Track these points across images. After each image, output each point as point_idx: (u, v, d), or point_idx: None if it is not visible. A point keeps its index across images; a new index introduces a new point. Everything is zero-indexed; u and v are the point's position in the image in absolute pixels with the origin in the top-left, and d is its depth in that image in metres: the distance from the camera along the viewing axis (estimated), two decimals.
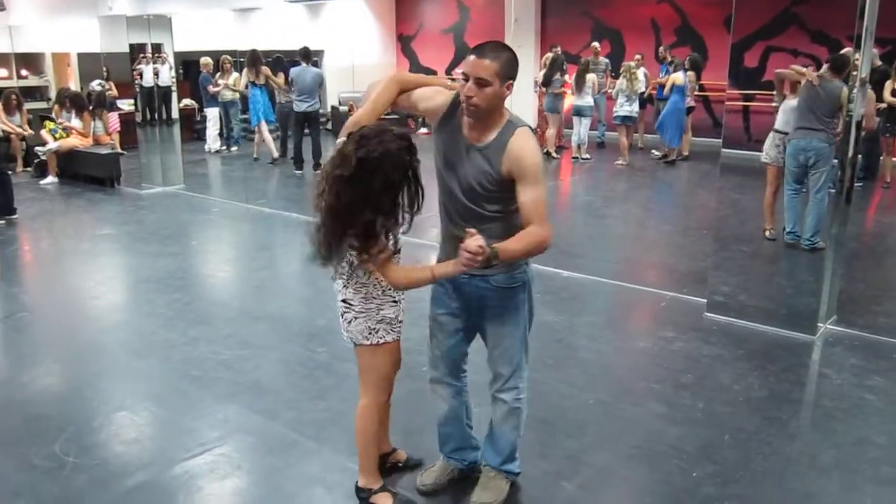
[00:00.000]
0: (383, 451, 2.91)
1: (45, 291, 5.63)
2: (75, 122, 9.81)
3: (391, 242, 2.35)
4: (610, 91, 11.55)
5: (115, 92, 11.22)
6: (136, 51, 9.77)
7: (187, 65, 12.71)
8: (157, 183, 9.36)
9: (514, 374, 2.65)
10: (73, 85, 12.19)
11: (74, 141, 9.72)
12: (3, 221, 7.31)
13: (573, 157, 11.05)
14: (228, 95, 11.52)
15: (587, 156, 11.02)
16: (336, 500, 2.83)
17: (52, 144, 9.62)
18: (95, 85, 11.01)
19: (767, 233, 5.83)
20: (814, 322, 4.41)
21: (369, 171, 2.23)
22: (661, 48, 11.78)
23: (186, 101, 12.70)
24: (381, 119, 2.46)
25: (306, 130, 10.08)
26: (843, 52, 5.21)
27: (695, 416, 3.45)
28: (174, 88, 10.12)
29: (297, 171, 10.10)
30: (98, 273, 6.00)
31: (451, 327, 2.67)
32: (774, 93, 6.15)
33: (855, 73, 4.26)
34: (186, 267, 6.08)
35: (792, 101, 5.62)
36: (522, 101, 12.20)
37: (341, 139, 2.36)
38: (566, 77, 10.91)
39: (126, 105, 11.37)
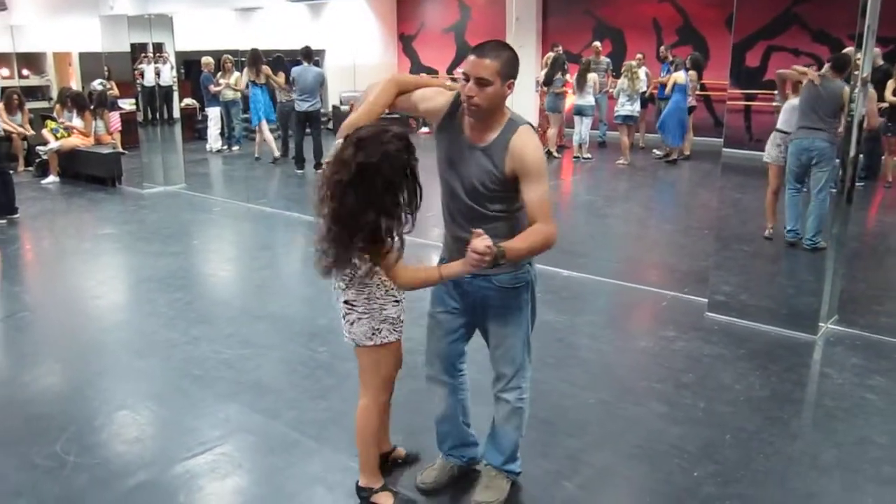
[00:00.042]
0: (383, 451, 2.92)
1: (46, 291, 5.64)
2: (77, 122, 9.82)
3: (397, 243, 2.35)
4: (611, 90, 11.55)
5: (116, 91, 11.23)
6: (138, 50, 9.77)
7: (189, 64, 12.72)
8: (159, 182, 9.37)
9: (517, 374, 2.65)
10: (75, 84, 12.19)
11: (76, 140, 9.73)
12: (4, 221, 7.31)
13: (574, 157, 11.04)
14: (230, 95, 11.53)
15: (588, 155, 11.02)
16: (337, 500, 2.83)
17: (54, 144, 9.63)
18: (97, 84, 11.02)
19: (766, 232, 5.83)
20: (815, 322, 4.40)
21: (370, 174, 2.23)
22: (662, 47, 11.77)
23: (188, 101, 12.70)
24: (383, 118, 2.45)
25: (308, 130, 10.09)
26: (844, 51, 5.20)
27: (696, 416, 3.45)
28: (175, 88, 10.12)
29: (299, 171, 10.11)
30: (99, 272, 6.00)
31: (449, 326, 2.67)
32: (776, 92, 6.14)
33: (857, 72, 4.26)
34: (188, 266, 6.08)
35: (794, 101, 5.62)
36: (524, 100, 12.20)
37: (339, 140, 2.35)
38: (567, 76, 10.91)
39: (127, 104, 11.37)
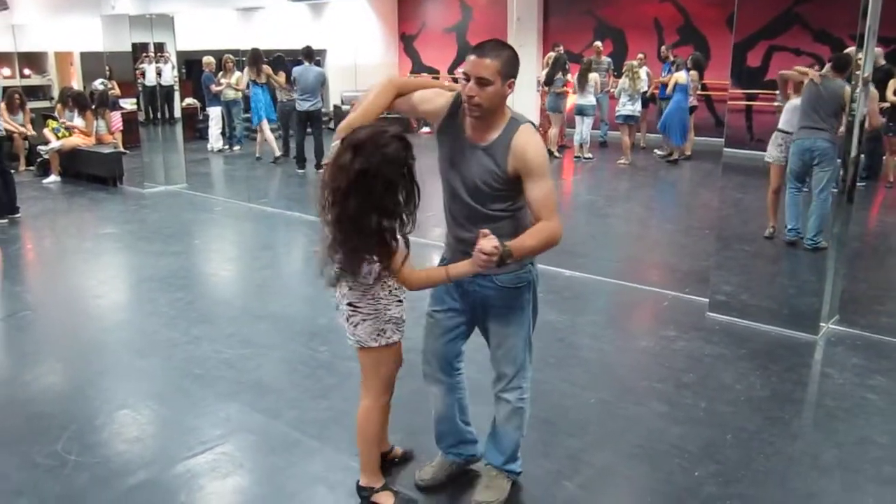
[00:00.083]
0: (381, 450, 2.91)
1: (47, 290, 5.64)
2: (78, 121, 9.82)
3: (403, 244, 2.35)
4: (612, 90, 11.54)
5: (117, 91, 11.23)
6: (139, 50, 9.77)
7: (190, 64, 12.72)
8: (160, 182, 9.37)
9: (518, 374, 2.65)
10: (76, 84, 12.20)
11: (77, 140, 9.74)
12: (5, 220, 7.32)
13: (575, 157, 11.04)
14: (231, 94, 11.53)
15: (589, 155, 11.01)
16: (338, 499, 2.83)
17: (55, 143, 9.64)
18: (98, 84, 11.02)
19: (767, 231, 5.83)
20: (816, 322, 4.40)
21: (369, 179, 2.23)
22: (663, 47, 11.77)
23: (189, 101, 12.70)
24: (382, 118, 2.45)
25: (309, 129, 10.09)
26: (846, 51, 5.20)
27: (697, 416, 3.45)
28: (177, 87, 10.12)
29: (300, 171, 10.12)
30: (100, 272, 6.01)
31: (447, 325, 2.67)
32: (777, 92, 6.14)
33: (858, 72, 4.26)
34: (189, 266, 6.09)
35: (796, 101, 5.62)
36: (525, 100, 12.20)
37: (336, 142, 2.35)
38: (569, 76, 10.91)
39: (129, 104, 11.37)
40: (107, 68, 10.96)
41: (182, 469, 3.02)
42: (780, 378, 3.84)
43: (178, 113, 10.20)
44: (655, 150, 11.24)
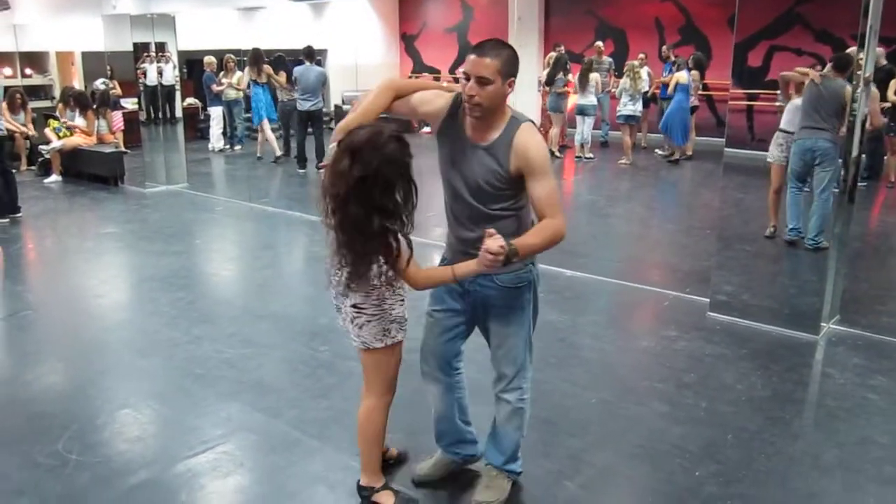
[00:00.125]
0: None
1: (48, 290, 5.65)
2: (79, 121, 9.83)
3: (405, 244, 2.35)
4: (613, 90, 11.54)
5: (118, 91, 11.24)
6: (140, 49, 9.78)
7: (191, 63, 12.72)
8: (161, 181, 9.38)
9: (518, 375, 2.65)
10: (77, 84, 12.20)
11: (78, 139, 9.74)
12: (7, 220, 7.33)
13: (576, 157, 11.04)
14: (232, 94, 11.53)
15: (590, 155, 11.01)
16: (338, 499, 2.83)
17: (56, 143, 9.65)
18: (99, 84, 11.03)
19: (768, 231, 5.83)
20: (817, 322, 4.40)
21: (369, 184, 2.23)
22: (664, 47, 11.76)
23: (190, 100, 12.70)
24: (381, 118, 2.44)
25: (310, 129, 10.10)
26: (847, 51, 5.20)
27: (698, 416, 3.45)
28: (178, 87, 10.12)
29: (301, 170, 10.12)
30: (102, 271, 6.01)
31: (446, 324, 2.67)
32: (778, 92, 6.14)
33: (859, 72, 4.26)
34: (190, 265, 6.09)
35: (797, 101, 5.61)
36: (526, 100, 12.19)
37: (332, 145, 2.35)
38: (570, 76, 10.91)
39: (130, 104, 11.38)
40: (108, 68, 10.96)
41: (183, 468, 3.03)
42: (781, 378, 3.84)
43: (179, 112, 10.20)
44: (656, 150, 11.24)
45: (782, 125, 5.87)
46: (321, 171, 2.38)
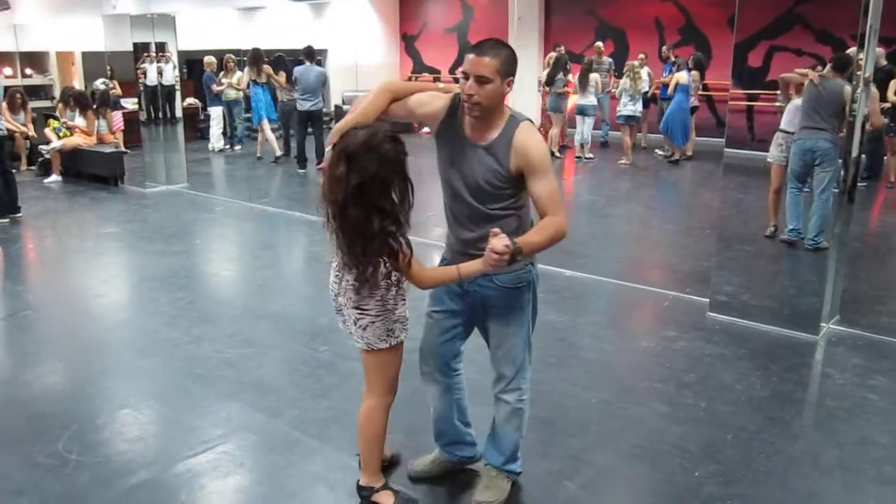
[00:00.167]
0: None
1: (48, 290, 5.65)
2: (79, 121, 9.83)
3: (406, 244, 2.36)
4: (613, 90, 11.55)
5: (118, 91, 11.25)
6: (140, 49, 9.78)
7: (191, 64, 12.73)
8: (161, 181, 9.38)
9: (518, 375, 2.65)
10: (77, 84, 12.20)
11: (78, 139, 9.75)
12: (7, 220, 7.33)
13: (576, 157, 11.05)
14: (232, 94, 11.54)
15: (590, 155, 11.02)
16: (338, 499, 2.83)
17: (56, 143, 9.65)
18: (99, 84, 11.03)
19: (768, 230, 5.83)
20: (817, 322, 4.40)
21: (367, 188, 2.23)
22: (664, 47, 11.77)
23: (190, 100, 12.71)
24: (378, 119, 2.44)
25: (310, 129, 10.10)
26: (847, 51, 5.20)
27: (697, 416, 3.45)
28: (178, 87, 10.12)
29: (301, 170, 10.12)
30: (102, 271, 6.02)
31: (445, 325, 2.67)
32: (778, 93, 6.14)
33: (859, 72, 4.26)
34: (190, 265, 6.09)
35: (798, 101, 5.62)
36: (526, 100, 12.20)
37: (329, 148, 2.35)
38: (570, 76, 10.91)
39: (130, 104, 11.39)
40: (108, 68, 10.97)
41: (183, 468, 3.03)
42: (781, 378, 3.84)
43: (179, 112, 10.20)
44: (656, 151, 11.25)
45: (782, 125, 5.87)
46: (320, 171, 2.38)
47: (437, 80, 14.56)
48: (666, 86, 10.80)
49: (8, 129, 9.57)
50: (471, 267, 2.33)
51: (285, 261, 6.62)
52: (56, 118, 10.30)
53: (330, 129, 11.53)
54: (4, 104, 10.11)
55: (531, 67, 12.87)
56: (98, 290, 5.45)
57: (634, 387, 3.78)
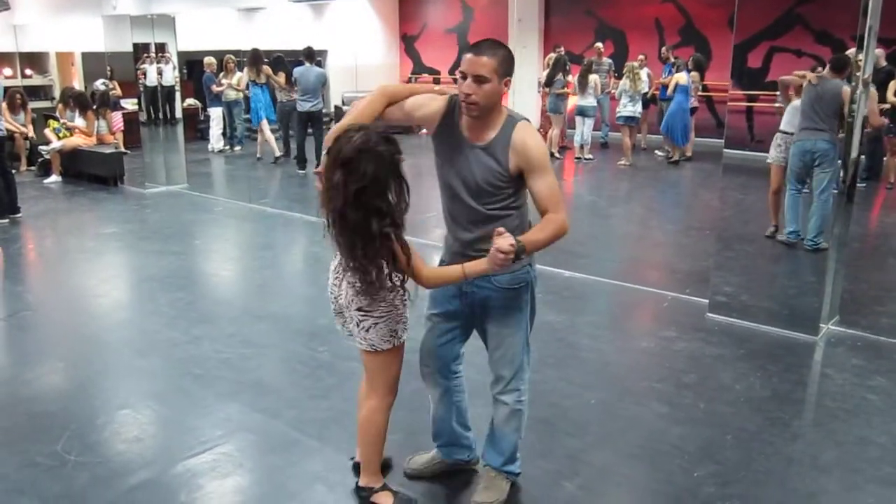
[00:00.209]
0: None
1: (48, 290, 5.65)
2: (79, 122, 9.83)
3: (404, 244, 2.35)
4: (613, 91, 11.56)
5: (118, 91, 11.25)
6: (140, 50, 9.79)
7: (191, 64, 12.73)
8: (161, 182, 9.38)
9: (516, 377, 2.65)
10: (77, 84, 12.21)
11: (78, 140, 9.75)
12: (7, 220, 7.33)
13: (576, 158, 11.05)
14: (232, 95, 11.54)
15: (590, 156, 11.02)
16: (337, 499, 2.83)
17: (56, 143, 9.65)
18: (99, 84, 11.03)
19: (769, 230, 5.84)
20: (816, 322, 4.40)
21: (365, 189, 2.24)
22: (664, 48, 11.78)
23: (190, 101, 12.71)
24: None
25: (310, 130, 10.10)
26: (846, 52, 5.21)
27: (696, 416, 3.45)
28: (178, 88, 10.13)
29: (301, 171, 10.12)
30: (101, 272, 6.02)
31: (445, 327, 2.67)
32: (778, 93, 6.15)
33: (858, 73, 4.26)
34: (189, 266, 6.09)
35: (797, 102, 5.63)
36: (526, 101, 12.21)
37: (324, 152, 2.35)
38: (569, 77, 10.91)
39: (130, 104, 11.39)
40: (108, 68, 10.98)
41: (182, 469, 3.03)
42: (780, 378, 3.84)
43: (179, 113, 10.21)
44: (656, 151, 11.25)
45: (782, 126, 5.88)
46: (317, 175, 2.38)
47: (436, 81, 14.62)
48: (665, 87, 10.81)
49: (8, 130, 9.58)
50: (476, 266, 2.33)
51: (285, 261, 6.62)
52: (56, 119, 10.30)
53: (330, 129, 11.58)
54: (4, 105, 10.10)
55: (531, 68, 12.90)
56: (97, 291, 5.45)
57: (634, 387, 3.78)
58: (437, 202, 2.62)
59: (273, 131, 11.09)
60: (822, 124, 5.34)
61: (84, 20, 10.47)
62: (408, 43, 16.00)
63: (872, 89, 5.13)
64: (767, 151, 6.00)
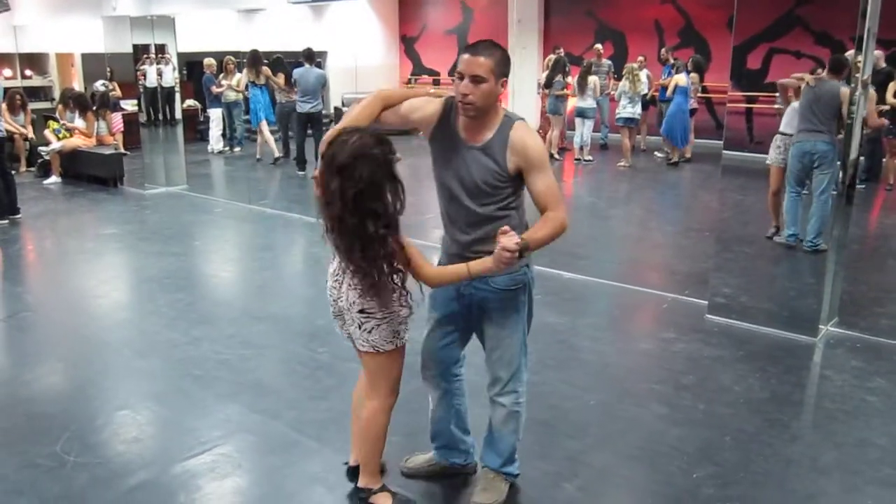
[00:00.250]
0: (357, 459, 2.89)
1: (48, 291, 5.65)
2: (79, 123, 9.84)
3: (402, 245, 2.35)
4: (613, 93, 11.56)
5: (118, 92, 11.25)
6: (140, 51, 9.79)
7: (191, 65, 12.73)
8: (161, 183, 9.38)
9: (513, 378, 2.65)
10: (77, 85, 12.22)
11: (78, 141, 9.75)
12: (6, 221, 7.33)
13: (575, 159, 11.05)
14: (232, 96, 11.54)
15: (590, 157, 11.03)
16: (336, 500, 2.83)
17: (56, 144, 9.65)
18: (99, 85, 11.03)
19: (769, 231, 5.84)
20: (815, 324, 4.40)
21: (362, 193, 2.24)
22: (663, 50, 11.79)
23: (190, 102, 12.72)
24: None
25: (309, 131, 10.11)
26: (846, 54, 5.22)
27: (696, 418, 3.45)
28: (177, 89, 10.14)
29: (300, 172, 10.12)
30: (101, 272, 6.02)
31: (445, 329, 2.67)
32: (777, 95, 6.16)
33: (858, 74, 4.26)
34: (189, 267, 6.09)
35: (797, 104, 5.64)
36: (525, 102, 12.21)
37: (321, 157, 2.35)
38: (569, 79, 10.92)
39: (129, 105, 11.39)
40: (108, 69, 10.98)
41: (181, 470, 3.03)
42: (780, 380, 3.84)
43: (178, 114, 10.21)
44: (656, 153, 11.25)
45: (782, 128, 5.89)
46: (315, 180, 2.38)
47: (436, 82, 14.63)
48: (665, 88, 10.81)
49: (7, 131, 9.58)
50: (481, 265, 2.34)
51: (284, 262, 6.62)
52: (56, 119, 10.30)
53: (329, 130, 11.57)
54: (4, 105, 10.11)
55: (531, 69, 12.90)
56: (97, 292, 5.45)
57: (633, 388, 3.78)
58: (435, 204, 2.62)
59: (272, 132, 11.09)
60: (821, 126, 5.35)
61: (84, 21, 10.48)
62: (407, 44, 16.01)
63: (871, 90, 5.13)
64: (767, 153, 6.01)
